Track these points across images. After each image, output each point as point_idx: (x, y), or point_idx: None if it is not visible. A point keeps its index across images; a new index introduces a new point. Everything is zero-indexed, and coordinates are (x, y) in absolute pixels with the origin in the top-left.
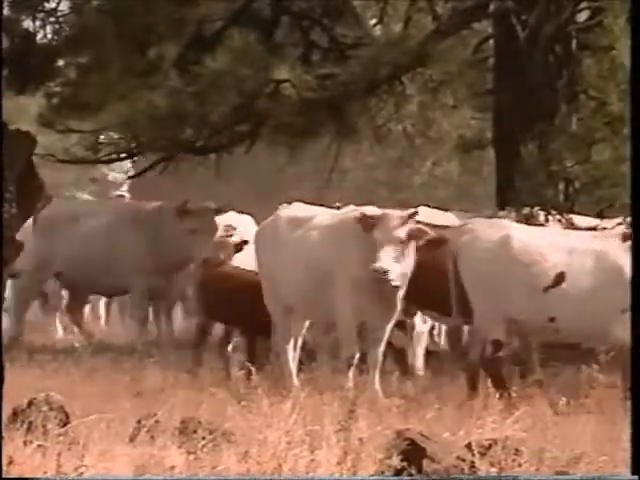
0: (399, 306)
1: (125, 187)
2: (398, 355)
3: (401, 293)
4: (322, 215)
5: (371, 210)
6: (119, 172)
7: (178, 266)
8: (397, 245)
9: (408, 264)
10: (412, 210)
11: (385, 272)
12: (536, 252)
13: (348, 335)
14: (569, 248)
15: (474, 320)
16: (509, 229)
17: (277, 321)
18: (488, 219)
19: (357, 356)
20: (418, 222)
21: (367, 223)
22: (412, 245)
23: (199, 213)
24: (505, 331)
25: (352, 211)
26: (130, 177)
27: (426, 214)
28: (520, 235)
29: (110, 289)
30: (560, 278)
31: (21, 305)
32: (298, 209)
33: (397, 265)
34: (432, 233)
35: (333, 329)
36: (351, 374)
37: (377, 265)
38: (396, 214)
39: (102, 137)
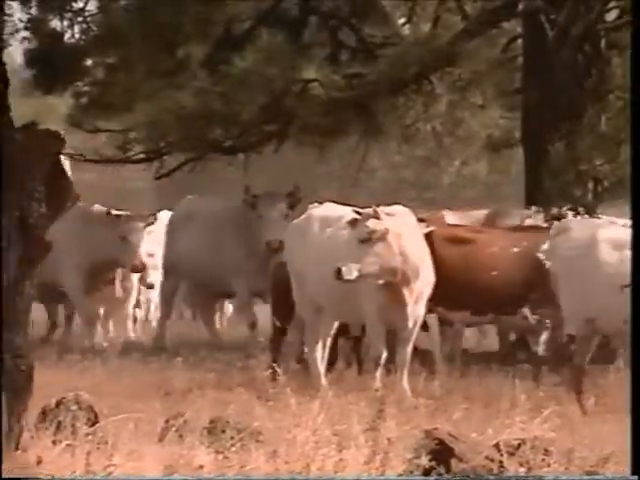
0: (424, 307)
1: None
2: (424, 356)
3: (427, 292)
4: (351, 215)
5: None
6: None
7: (266, 258)
8: (358, 244)
9: (425, 260)
10: (370, 209)
11: (338, 271)
12: (618, 251)
13: (375, 335)
14: None
15: (565, 318)
16: (598, 227)
17: (306, 321)
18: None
19: (384, 356)
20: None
21: (352, 225)
22: (379, 244)
23: (265, 199)
24: (582, 328)
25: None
26: (157, 177)
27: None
28: (607, 234)
29: (218, 291)
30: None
31: (163, 308)
32: (329, 209)
33: (355, 265)
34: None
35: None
36: (379, 374)
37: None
38: (365, 213)
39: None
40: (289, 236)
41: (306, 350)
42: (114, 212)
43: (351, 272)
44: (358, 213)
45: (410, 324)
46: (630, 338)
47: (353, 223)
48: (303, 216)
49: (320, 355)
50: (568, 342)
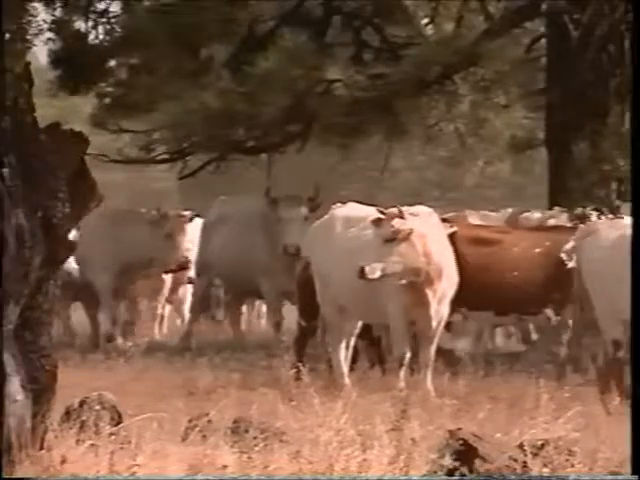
0: (448, 307)
1: None
2: (447, 356)
3: (451, 293)
4: (375, 214)
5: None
6: None
7: (294, 259)
8: (382, 244)
9: (449, 262)
10: (395, 209)
11: (361, 270)
12: None
13: (399, 335)
14: None
15: (598, 321)
16: (627, 228)
17: (329, 321)
18: (611, 218)
19: (408, 356)
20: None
21: (376, 224)
22: (403, 244)
23: (285, 202)
24: (621, 331)
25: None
26: (181, 178)
27: None
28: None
29: (247, 291)
30: None
31: (194, 306)
32: (352, 209)
33: (378, 264)
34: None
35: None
36: (402, 374)
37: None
38: (389, 213)
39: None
40: (312, 236)
41: (329, 350)
42: (162, 211)
43: (374, 271)
44: (382, 213)
45: (434, 324)
46: (630, 337)
47: (377, 222)
48: (326, 216)
49: (343, 355)
50: (615, 349)
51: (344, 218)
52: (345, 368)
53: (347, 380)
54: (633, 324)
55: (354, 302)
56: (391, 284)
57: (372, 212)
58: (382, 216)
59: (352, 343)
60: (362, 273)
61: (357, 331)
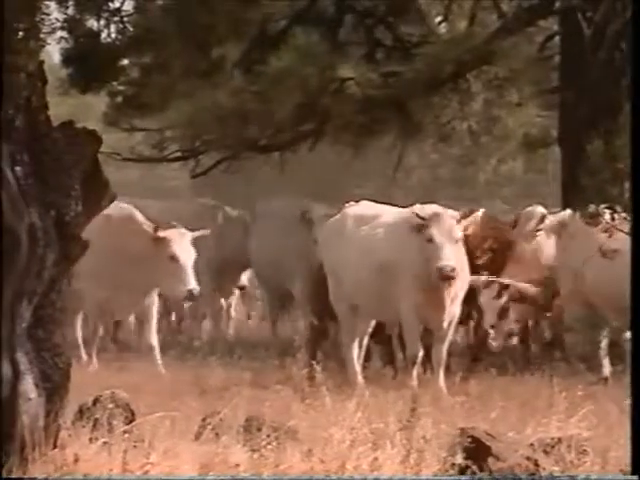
0: (460, 306)
1: None
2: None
3: (463, 292)
4: (388, 213)
5: (425, 208)
6: None
7: None
8: (454, 244)
9: (463, 262)
10: (465, 210)
11: (452, 270)
12: None
13: (412, 333)
14: None
15: None
16: None
17: (342, 320)
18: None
19: (421, 354)
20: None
21: (417, 222)
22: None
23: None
24: None
25: (407, 210)
26: (194, 176)
27: None
28: None
29: (278, 290)
30: None
31: (270, 308)
32: (365, 207)
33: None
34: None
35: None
36: (415, 372)
37: (440, 264)
38: (449, 213)
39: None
40: (325, 235)
41: (343, 349)
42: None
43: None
44: (421, 217)
45: (445, 324)
46: (630, 338)
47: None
48: (338, 215)
49: (356, 354)
50: None
51: (357, 216)
52: (358, 367)
53: (360, 379)
54: (633, 323)
55: (367, 300)
56: (405, 283)
57: (384, 210)
58: (422, 222)
59: (365, 342)
60: (452, 272)
61: (370, 330)
